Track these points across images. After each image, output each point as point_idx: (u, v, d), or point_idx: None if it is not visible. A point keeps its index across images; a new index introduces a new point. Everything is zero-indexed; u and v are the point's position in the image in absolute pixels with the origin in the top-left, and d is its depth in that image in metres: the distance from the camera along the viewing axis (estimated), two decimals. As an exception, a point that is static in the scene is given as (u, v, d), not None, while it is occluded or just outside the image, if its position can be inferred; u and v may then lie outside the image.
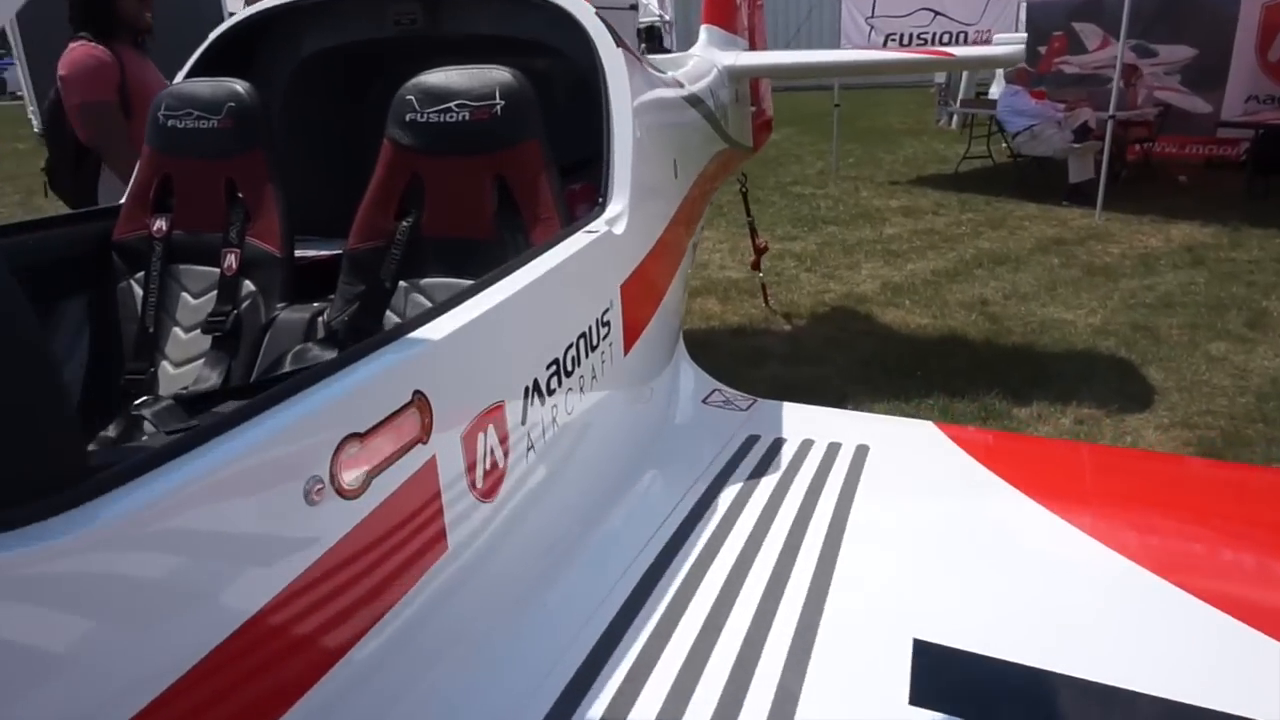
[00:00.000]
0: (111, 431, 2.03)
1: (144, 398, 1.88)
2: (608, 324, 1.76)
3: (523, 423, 1.39)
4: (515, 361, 1.40)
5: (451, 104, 1.83)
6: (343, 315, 1.93)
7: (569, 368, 1.56)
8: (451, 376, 1.21)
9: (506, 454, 1.32)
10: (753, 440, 2.09)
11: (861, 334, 4.95)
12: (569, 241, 1.67)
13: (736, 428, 2.16)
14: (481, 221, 1.84)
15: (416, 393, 1.11)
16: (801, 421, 2.22)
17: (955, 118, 11.89)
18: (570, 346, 1.57)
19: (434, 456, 1.14)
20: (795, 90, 13.75)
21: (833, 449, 2.01)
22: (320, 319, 1.96)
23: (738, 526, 1.66)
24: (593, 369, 1.67)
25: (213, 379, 1.98)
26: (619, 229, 1.84)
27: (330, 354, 1.86)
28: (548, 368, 1.48)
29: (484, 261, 1.83)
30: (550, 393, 1.48)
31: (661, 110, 2.47)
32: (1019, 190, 8.10)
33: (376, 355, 1.11)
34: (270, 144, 2.05)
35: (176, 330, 2.11)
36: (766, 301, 5.40)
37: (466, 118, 1.82)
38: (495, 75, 1.82)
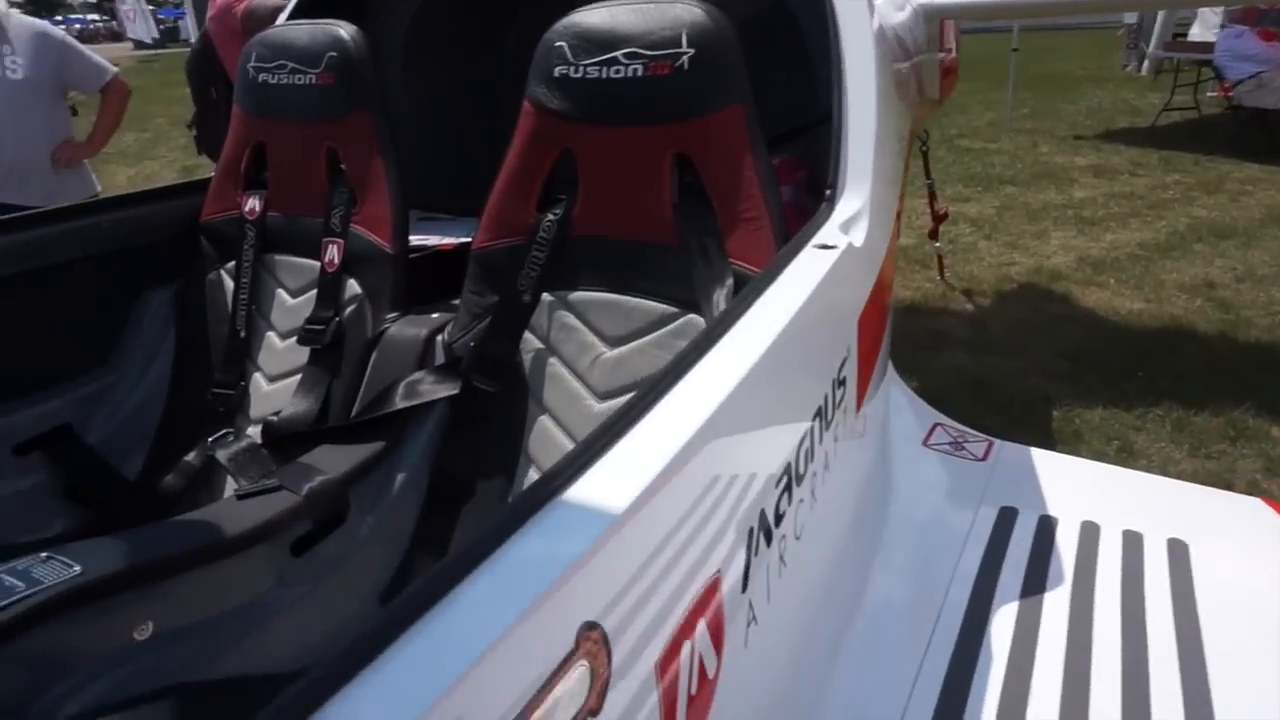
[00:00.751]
0: (194, 460, 1.66)
1: (222, 432, 1.48)
2: (844, 382, 1.24)
3: (743, 590, 0.88)
4: (739, 496, 0.88)
5: (618, 54, 1.32)
6: (467, 335, 1.48)
7: (801, 471, 1.04)
8: (642, 573, 0.70)
9: (720, 654, 0.82)
10: (1009, 517, 1.53)
11: (1059, 319, 4.21)
12: (803, 268, 1.14)
13: (980, 491, 1.61)
14: (657, 218, 1.34)
15: (587, 629, 0.62)
16: (1066, 483, 1.65)
17: (1147, 63, 10.51)
18: (804, 438, 1.05)
19: None
20: (964, 32, 12.53)
21: (1133, 543, 1.43)
22: (439, 337, 1.52)
23: (1037, 692, 1.13)
24: (826, 458, 1.15)
25: (307, 405, 1.58)
26: (858, 238, 1.30)
27: (449, 386, 1.41)
28: (779, 485, 0.97)
29: (658, 274, 1.33)
30: (779, 522, 0.97)
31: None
32: (1234, 148, 6.95)
33: (503, 563, 0.62)
34: (381, 104, 1.60)
35: (271, 336, 1.72)
36: (942, 274, 4.72)
37: (639, 73, 1.31)
38: (680, 13, 1.30)
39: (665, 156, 1.33)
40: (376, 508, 1.43)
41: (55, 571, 1.03)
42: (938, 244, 4.64)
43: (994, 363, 3.76)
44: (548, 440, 1.43)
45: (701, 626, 0.78)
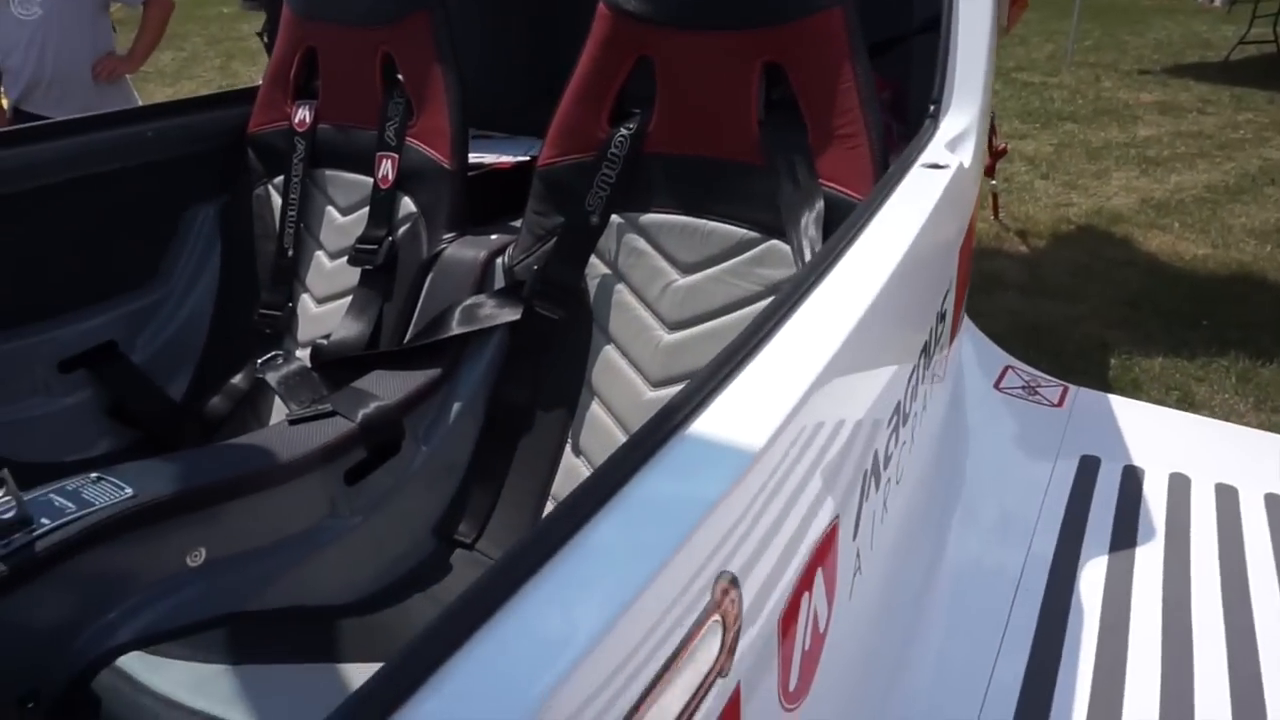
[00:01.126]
0: (241, 383, 1.61)
1: (271, 354, 1.42)
2: (944, 317, 1.15)
3: (854, 537, 0.80)
4: (856, 436, 0.79)
5: None
6: (529, 258, 1.39)
7: (907, 410, 0.95)
8: (767, 520, 0.62)
9: (831, 605, 0.74)
10: (1091, 467, 1.45)
11: (1119, 263, 4.04)
12: (913, 190, 1.03)
13: (1058, 439, 1.52)
14: (740, 134, 1.23)
15: (723, 581, 0.54)
16: (1150, 432, 1.55)
17: (1221, -8, 9.96)
18: (912, 376, 0.96)
19: (737, 689, 0.57)
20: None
21: (1228, 497, 1.34)
22: (500, 260, 1.43)
23: (1136, 650, 1.06)
24: (924, 398, 1.06)
25: (358, 329, 1.51)
26: (965, 158, 1.19)
27: (510, 312, 1.34)
28: (889, 425, 0.88)
29: (739, 196, 1.23)
30: (886, 464, 0.88)
31: None
32: (1314, 86, 6.60)
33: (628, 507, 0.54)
34: (440, 4, 1.49)
35: (320, 256, 1.64)
36: (996, 214, 4.54)
37: None
38: None
39: (754, 65, 1.21)
40: (431, 437, 1.36)
41: (106, 493, 0.98)
42: (994, 182, 4.45)
43: (1049, 307, 3.62)
44: (611, 371, 1.35)
45: (819, 576, 0.70)
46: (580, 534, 0.50)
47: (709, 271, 1.29)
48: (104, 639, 0.96)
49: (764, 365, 0.68)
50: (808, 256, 1.16)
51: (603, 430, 1.34)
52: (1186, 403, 2.95)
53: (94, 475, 1.02)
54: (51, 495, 0.97)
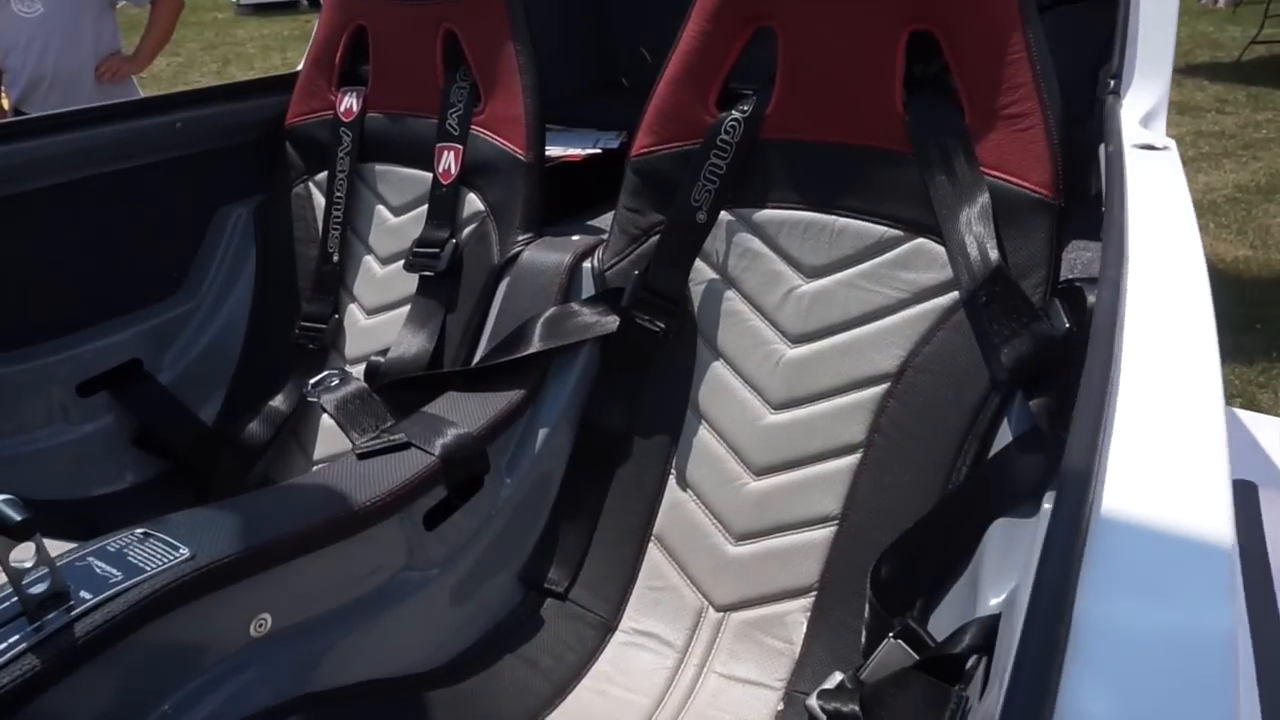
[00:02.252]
0: (281, 405, 1.43)
1: (326, 373, 1.24)
2: None
3: None
4: None
5: None
6: (623, 261, 1.22)
7: None
8: None
9: None
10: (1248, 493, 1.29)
11: (1159, 265, 3.89)
12: (1150, 179, 0.86)
13: None
14: (881, 116, 1.06)
15: None
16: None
17: (1224, -7, 9.92)
18: None
19: None
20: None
21: None
22: (587, 264, 1.26)
23: None
24: None
25: (418, 344, 1.33)
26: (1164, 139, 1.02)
27: (604, 324, 1.17)
28: None
29: (879, 188, 1.07)
30: None
31: None
32: (1329, 85, 6.52)
33: None
34: None
35: (369, 261, 1.46)
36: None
37: None
38: None
39: (898, 33, 1.04)
40: (515, 470, 1.18)
41: (157, 555, 0.80)
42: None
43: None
44: (722, 392, 1.18)
45: None
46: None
47: (840, 275, 1.12)
48: (160, 734, 0.78)
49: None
50: (975, 256, 0.99)
51: (712, 460, 1.17)
52: (1254, 411, 2.81)
53: (139, 532, 0.83)
54: (91, 560, 0.78)
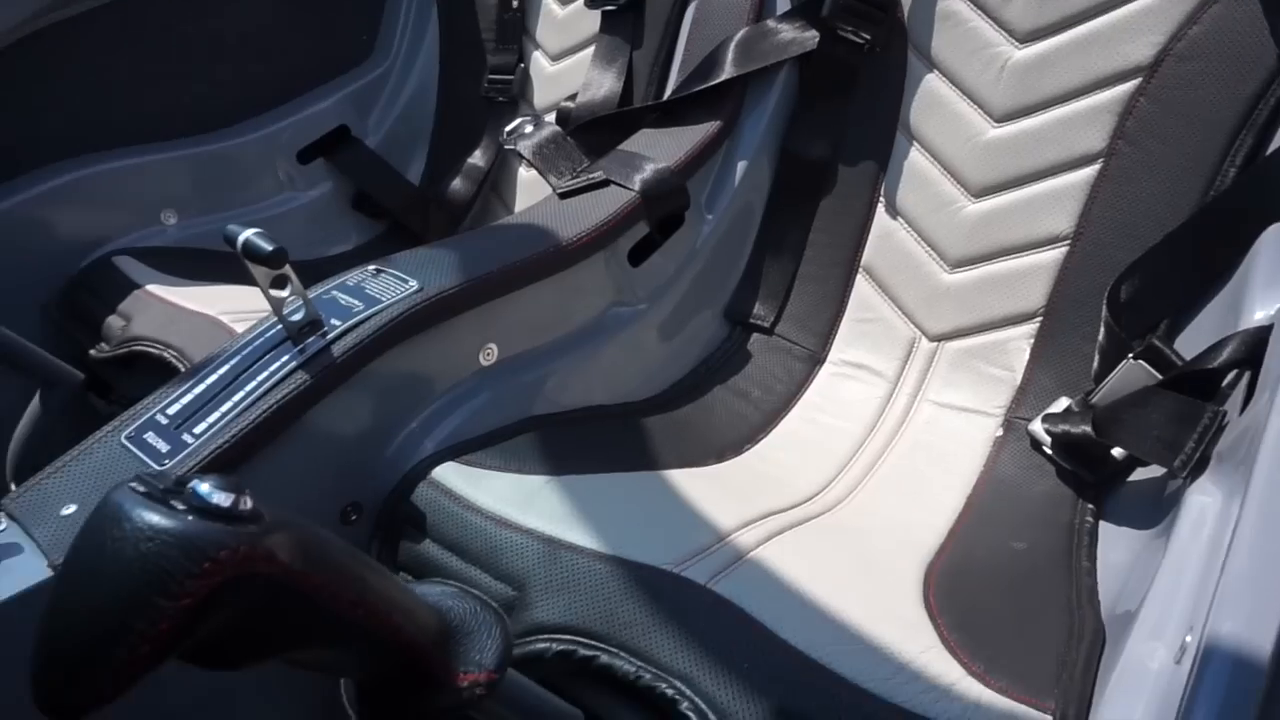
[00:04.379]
0: (479, 160, 1.45)
1: (519, 121, 1.23)
2: None
3: None
4: None
5: None
6: None
7: None
8: None
9: None
10: None
11: None
12: None
13: None
14: None
15: None
16: None
17: None
18: None
19: None
20: None
21: None
22: None
23: None
24: None
25: (607, 84, 1.29)
26: None
27: (803, 41, 1.08)
28: None
29: None
30: None
31: None
32: None
33: None
34: None
35: (549, 4, 1.41)
36: None
37: None
38: None
39: None
40: (714, 204, 1.15)
41: (390, 288, 0.85)
42: None
43: None
44: (935, 107, 1.07)
45: None
46: None
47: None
48: (411, 449, 0.86)
49: None
50: None
51: (925, 183, 1.08)
52: None
53: (372, 268, 0.89)
54: (335, 293, 0.85)
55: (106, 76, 1.30)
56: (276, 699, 0.79)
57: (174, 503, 0.33)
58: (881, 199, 1.11)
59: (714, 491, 0.88)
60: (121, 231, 1.31)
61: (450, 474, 0.82)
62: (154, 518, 0.33)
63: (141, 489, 0.34)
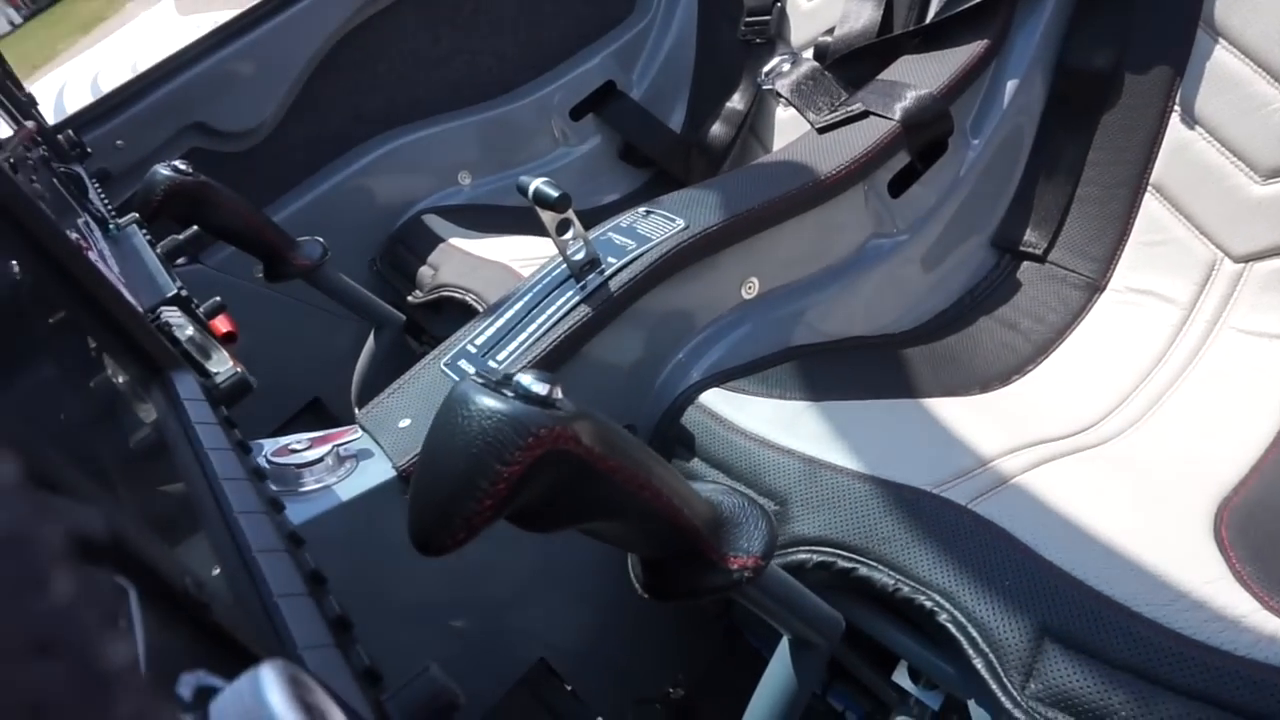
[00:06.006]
0: (738, 104, 1.48)
1: (776, 61, 1.24)
2: None
3: None
4: None
5: None
6: None
7: None
8: None
9: None
10: None
11: None
12: None
13: None
14: None
15: None
16: None
17: None
18: None
19: None
20: None
21: None
22: None
23: None
24: None
25: (866, 14, 1.26)
26: None
27: None
28: None
29: None
30: None
31: None
32: None
33: None
34: None
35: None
36: None
37: None
38: None
39: None
40: (982, 128, 1.11)
41: (659, 227, 0.91)
42: None
43: None
44: (1243, 3, 0.95)
45: None
46: None
47: None
48: (680, 376, 0.93)
49: None
50: None
51: (1234, 84, 0.97)
52: None
53: (642, 210, 0.96)
54: (610, 234, 0.93)
55: (411, 59, 1.48)
56: (583, 561, 0.89)
57: (504, 391, 0.42)
58: (1176, 108, 1.01)
59: (978, 419, 0.87)
60: (427, 193, 1.50)
61: (716, 399, 0.88)
62: (492, 401, 0.41)
63: (480, 380, 0.43)
